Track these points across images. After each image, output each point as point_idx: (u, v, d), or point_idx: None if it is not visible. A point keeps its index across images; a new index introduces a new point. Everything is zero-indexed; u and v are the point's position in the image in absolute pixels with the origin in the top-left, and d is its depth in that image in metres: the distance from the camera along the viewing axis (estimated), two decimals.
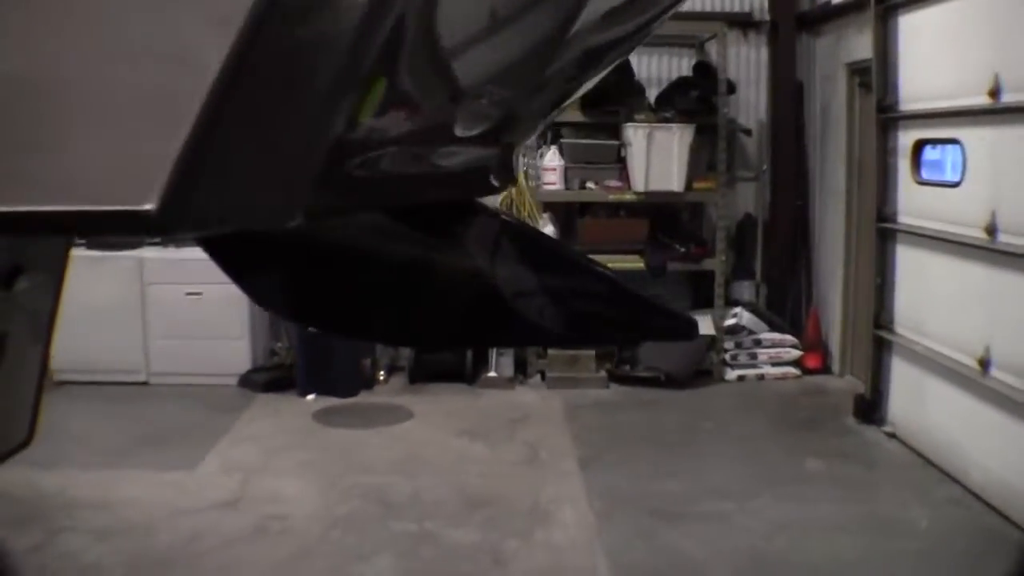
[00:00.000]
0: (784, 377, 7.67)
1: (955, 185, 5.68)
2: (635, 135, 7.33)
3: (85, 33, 0.91)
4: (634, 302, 2.47)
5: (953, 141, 5.78)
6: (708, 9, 8.15)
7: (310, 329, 6.56)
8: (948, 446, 5.63)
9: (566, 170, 7.67)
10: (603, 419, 7.00)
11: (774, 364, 7.69)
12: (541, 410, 7.25)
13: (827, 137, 7.72)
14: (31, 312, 2.78)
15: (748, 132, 8.06)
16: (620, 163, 7.59)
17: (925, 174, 6.17)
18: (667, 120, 7.42)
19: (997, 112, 5.15)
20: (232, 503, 5.51)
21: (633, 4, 1.87)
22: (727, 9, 8.23)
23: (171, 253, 7.86)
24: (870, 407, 6.48)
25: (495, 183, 2.38)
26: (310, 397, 7.51)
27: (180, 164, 0.86)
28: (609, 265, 7.68)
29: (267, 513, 5.36)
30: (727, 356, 7.72)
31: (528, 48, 1.67)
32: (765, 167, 8.13)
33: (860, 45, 6.83)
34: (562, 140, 7.73)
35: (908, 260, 6.25)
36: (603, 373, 7.70)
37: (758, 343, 7.69)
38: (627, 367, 7.61)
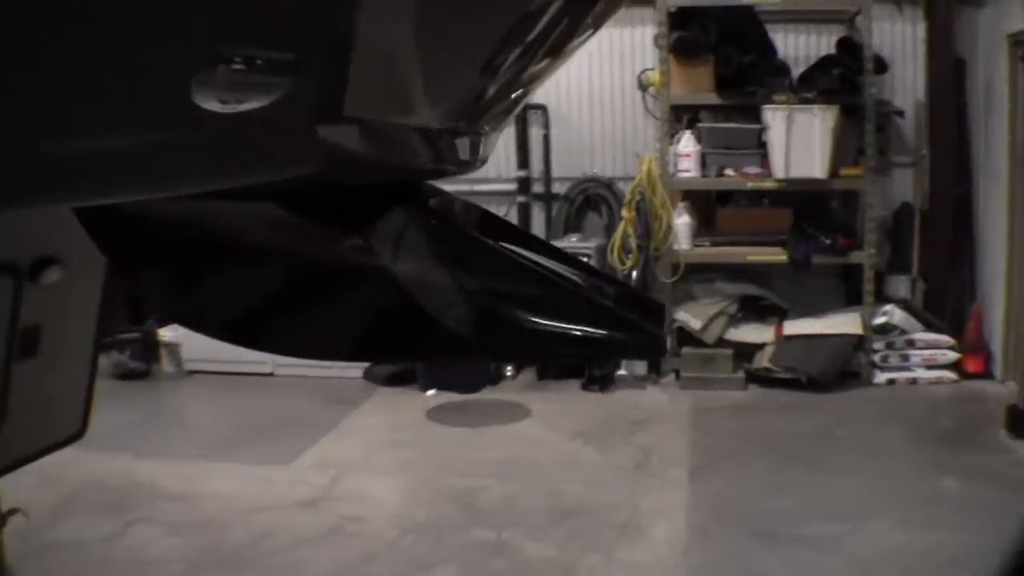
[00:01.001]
0: (939, 382, 6.89)
1: None
2: (774, 118, 6.73)
3: None
4: (586, 311, 2.07)
5: None
6: None
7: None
8: None
9: (703, 156, 7.14)
10: (730, 423, 6.46)
11: (928, 367, 6.92)
12: (667, 412, 6.77)
13: (990, 117, 6.89)
14: (73, 304, 2.61)
15: (900, 114, 7.31)
16: (761, 148, 6.99)
17: None
18: (808, 101, 6.78)
19: None
20: (314, 502, 5.30)
21: None
22: None
23: None
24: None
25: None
26: (430, 392, 7.27)
27: None
28: (749, 258, 7.12)
29: (346, 514, 5.12)
30: (876, 358, 7.01)
31: None
32: (924, 152, 7.34)
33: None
34: (699, 124, 7.20)
35: None
36: (741, 374, 7.14)
37: (911, 344, 6.95)
38: (766, 368, 7.03)
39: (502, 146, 8.12)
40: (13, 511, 3.81)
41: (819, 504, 5.00)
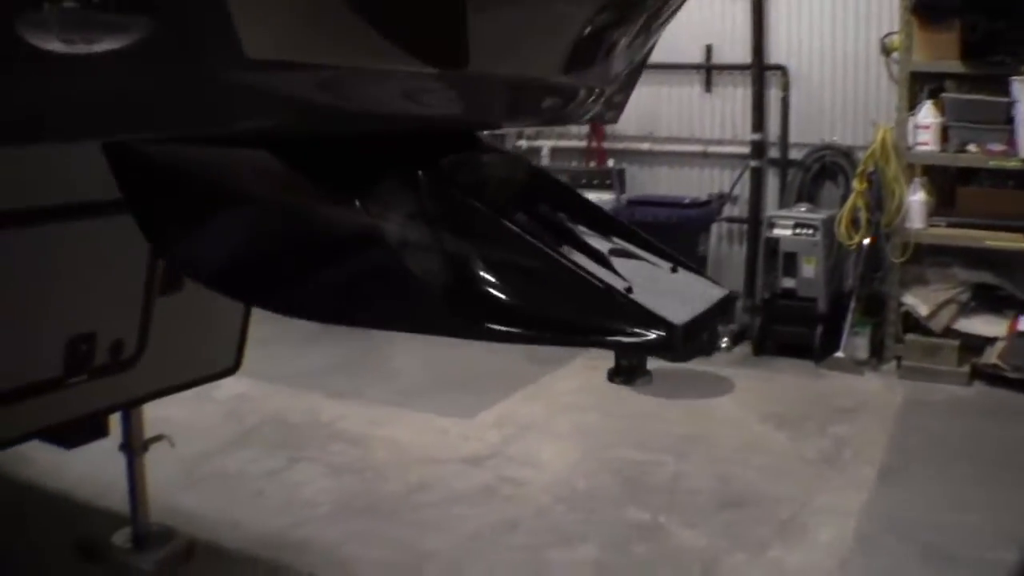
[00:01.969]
0: None
1: None
2: (1022, 90, 6.07)
3: None
4: (584, 297, 1.88)
5: None
6: None
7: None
8: None
9: (943, 129, 6.55)
10: (941, 423, 5.95)
11: None
12: (877, 402, 6.32)
13: None
14: None
15: None
16: (1008, 124, 6.33)
17: None
18: None
19: None
20: (480, 460, 5.30)
21: None
22: None
23: None
24: None
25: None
26: None
27: None
28: (988, 243, 6.54)
29: (506, 475, 5.10)
30: None
31: None
32: None
33: None
34: (943, 94, 6.60)
35: None
36: (966, 368, 6.56)
37: None
38: (995, 365, 6.42)
39: (737, 108, 7.79)
40: (158, 438, 3.99)
41: (1010, 528, 4.52)
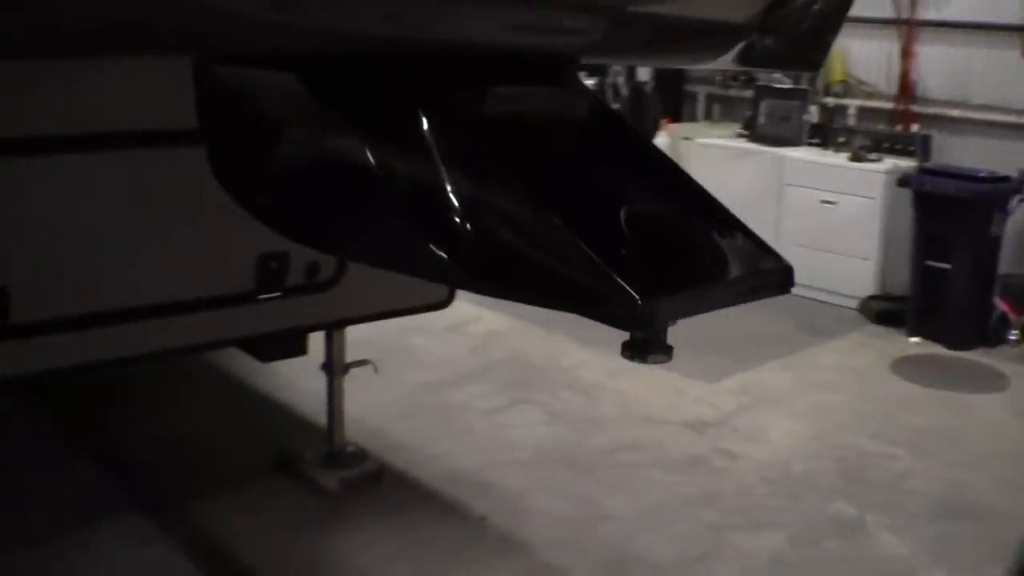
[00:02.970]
0: None
1: None
2: None
3: None
4: (570, 256, 1.81)
5: None
6: None
7: None
8: None
9: None
10: None
11: None
12: None
13: None
14: None
15: None
16: None
17: None
18: None
19: None
20: (703, 426, 5.23)
21: None
22: None
23: (814, 155, 7.47)
24: None
25: None
26: (914, 340, 6.66)
27: None
28: None
29: (722, 447, 5.00)
30: None
31: None
32: None
33: None
34: None
35: None
36: None
37: None
38: None
39: None
40: (362, 362, 4.21)
41: None
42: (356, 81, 1.93)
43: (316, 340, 4.15)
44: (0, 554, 3.74)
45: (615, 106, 7.46)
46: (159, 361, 4.14)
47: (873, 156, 7.16)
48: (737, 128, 8.18)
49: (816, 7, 2.44)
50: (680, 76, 8.84)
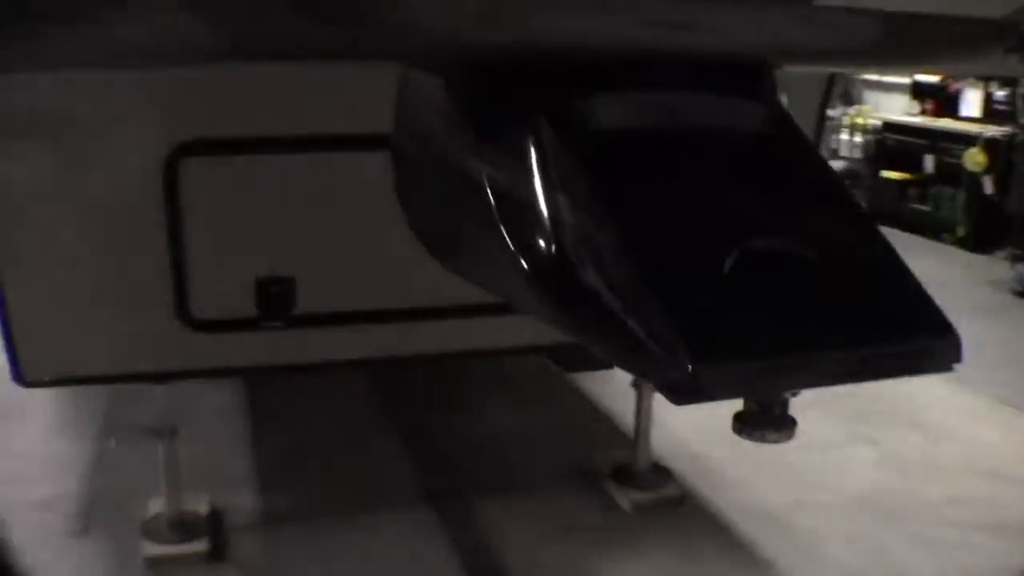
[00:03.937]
0: None
1: None
2: None
3: None
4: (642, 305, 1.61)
5: None
6: None
7: None
8: None
9: None
10: None
11: None
12: None
13: None
14: None
15: None
16: None
17: None
18: None
19: None
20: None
21: None
22: None
23: None
24: None
25: None
26: None
27: None
28: None
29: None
30: None
31: None
32: None
33: None
34: None
35: None
36: None
37: None
38: None
39: None
40: None
41: None
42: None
43: None
44: (291, 521, 4.16)
45: None
46: (464, 360, 4.34)
47: None
48: None
49: None
50: None
